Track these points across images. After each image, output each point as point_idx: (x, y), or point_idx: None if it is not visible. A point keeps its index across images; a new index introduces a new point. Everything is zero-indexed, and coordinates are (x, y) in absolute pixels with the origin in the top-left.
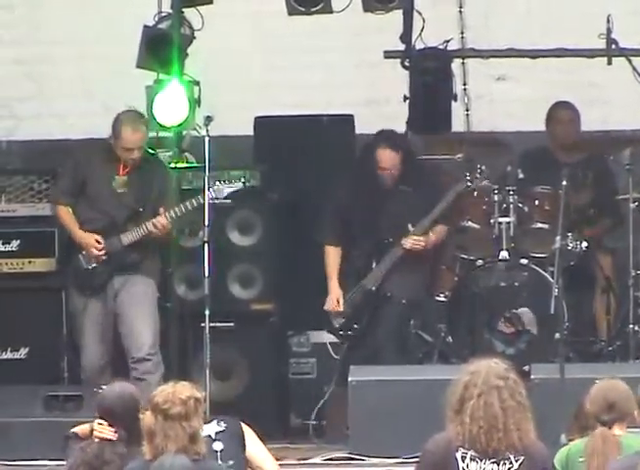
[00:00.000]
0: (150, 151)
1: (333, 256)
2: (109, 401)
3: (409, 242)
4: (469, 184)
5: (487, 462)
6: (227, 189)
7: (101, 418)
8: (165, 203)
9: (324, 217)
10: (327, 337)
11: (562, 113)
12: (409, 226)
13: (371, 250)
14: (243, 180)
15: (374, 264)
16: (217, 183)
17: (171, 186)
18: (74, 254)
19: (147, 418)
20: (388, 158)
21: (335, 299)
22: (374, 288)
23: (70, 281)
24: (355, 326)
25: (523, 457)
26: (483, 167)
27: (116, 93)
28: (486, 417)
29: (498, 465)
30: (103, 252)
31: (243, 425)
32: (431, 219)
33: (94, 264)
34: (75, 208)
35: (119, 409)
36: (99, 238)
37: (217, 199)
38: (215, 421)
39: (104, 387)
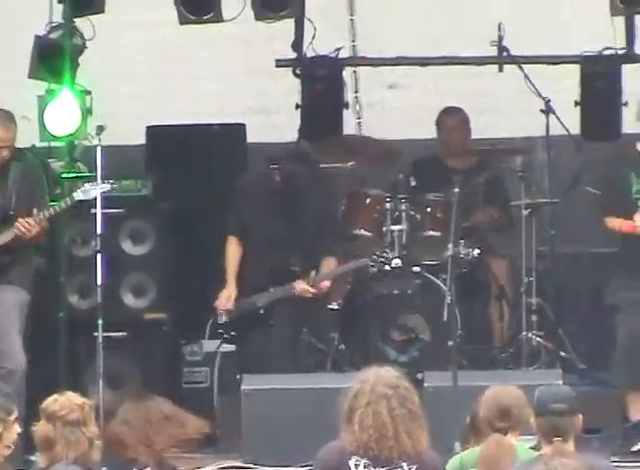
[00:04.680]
0: (21, 150)
1: (234, 249)
2: None
3: (300, 288)
4: (372, 264)
5: None
6: (94, 191)
7: None
8: (37, 203)
9: (230, 209)
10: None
11: (448, 118)
12: (312, 273)
13: (270, 268)
14: (110, 183)
15: (271, 288)
16: (85, 185)
17: (43, 186)
18: None
19: (42, 427)
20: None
21: (226, 296)
22: (262, 311)
23: None
24: (232, 333)
25: (415, 465)
26: (391, 254)
27: (9, 103)
28: (375, 425)
29: None
30: None
31: None
32: (328, 277)
33: None
34: None
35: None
36: None
37: (84, 201)
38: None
39: None
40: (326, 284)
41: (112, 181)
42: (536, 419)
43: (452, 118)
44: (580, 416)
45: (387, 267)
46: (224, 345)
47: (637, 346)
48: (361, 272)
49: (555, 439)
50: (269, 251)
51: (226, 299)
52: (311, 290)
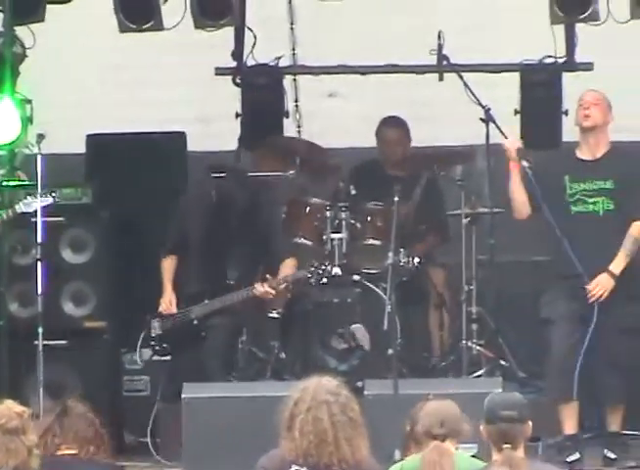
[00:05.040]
0: None
1: (170, 263)
2: None
3: (260, 290)
4: (309, 275)
5: None
6: (36, 203)
7: None
8: None
9: (168, 227)
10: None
11: (388, 130)
12: (268, 277)
13: (207, 281)
14: (53, 195)
15: (206, 300)
16: (28, 197)
17: None
18: None
19: None
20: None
21: (167, 301)
22: (196, 321)
23: None
24: (164, 346)
25: None
26: (329, 267)
27: None
28: (316, 431)
29: None
30: None
31: None
32: (287, 281)
33: None
34: None
35: None
36: None
37: (26, 213)
38: None
39: None
40: (281, 290)
41: (54, 194)
42: (486, 426)
43: (392, 130)
44: (530, 423)
45: (324, 280)
46: (156, 356)
47: (568, 360)
48: (300, 283)
49: (504, 445)
50: (206, 263)
51: (167, 304)
52: (273, 292)
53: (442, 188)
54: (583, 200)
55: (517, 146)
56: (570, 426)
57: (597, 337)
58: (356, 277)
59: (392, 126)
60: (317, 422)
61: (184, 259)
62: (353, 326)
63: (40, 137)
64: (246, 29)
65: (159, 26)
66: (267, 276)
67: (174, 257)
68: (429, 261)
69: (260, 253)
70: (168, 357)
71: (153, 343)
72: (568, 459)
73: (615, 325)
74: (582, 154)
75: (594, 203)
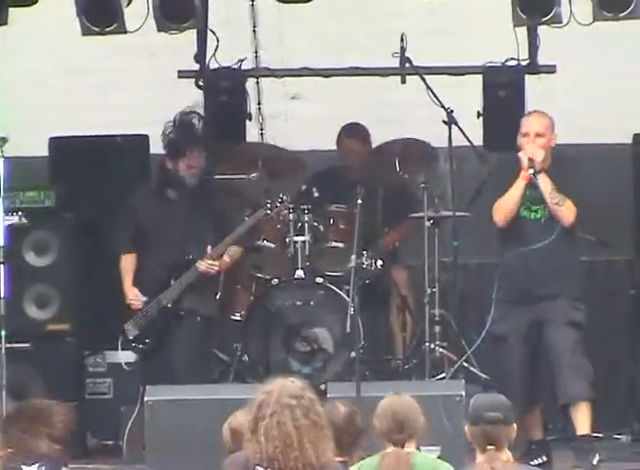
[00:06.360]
0: None
1: (128, 260)
2: None
3: (203, 265)
4: (268, 212)
5: None
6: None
7: None
8: None
9: (119, 227)
10: (123, 356)
11: (347, 141)
12: (208, 248)
13: (169, 263)
14: (19, 215)
15: (172, 281)
16: None
17: None
18: None
19: None
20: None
21: (133, 295)
22: (169, 305)
23: None
24: (147, 341)
25: None
26: (285, 196)
27: None
28: (280, 436)
29: None
30: None
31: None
32: (227, 244)
33: None
34: None
35: None
36: None
37: None
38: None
39: None
40: (226, 260)
41: (20, 213)
42: (470, 427)
43: (351, 141)
44: (515, 426)
45: (289, 216)
46: (144, 354)
47: (527, 372)
48: (260, 224)
49: (488, 447)
50: (165, 252)
51: (134, 297)
52: (215, 263)
53: (409, 190)
54: (527, 205)
55: (534, 157)
56: (536, 432)
57: (547, 336)
58: (319, 280)
59: (352, 136)
60: (281, 427)
61: (143, 253)
62: (316, 329)
63: (3, 140)
64: (208, 32)
65: (121, 30)
66: (206, 250)
67: (133, 254)
68: (392, 264)
69: (217, 228)
70: (133, 359)
71: (134, 345)
72: (532, 463)
73: (562, 321)
74: None
75: (536, 210)
